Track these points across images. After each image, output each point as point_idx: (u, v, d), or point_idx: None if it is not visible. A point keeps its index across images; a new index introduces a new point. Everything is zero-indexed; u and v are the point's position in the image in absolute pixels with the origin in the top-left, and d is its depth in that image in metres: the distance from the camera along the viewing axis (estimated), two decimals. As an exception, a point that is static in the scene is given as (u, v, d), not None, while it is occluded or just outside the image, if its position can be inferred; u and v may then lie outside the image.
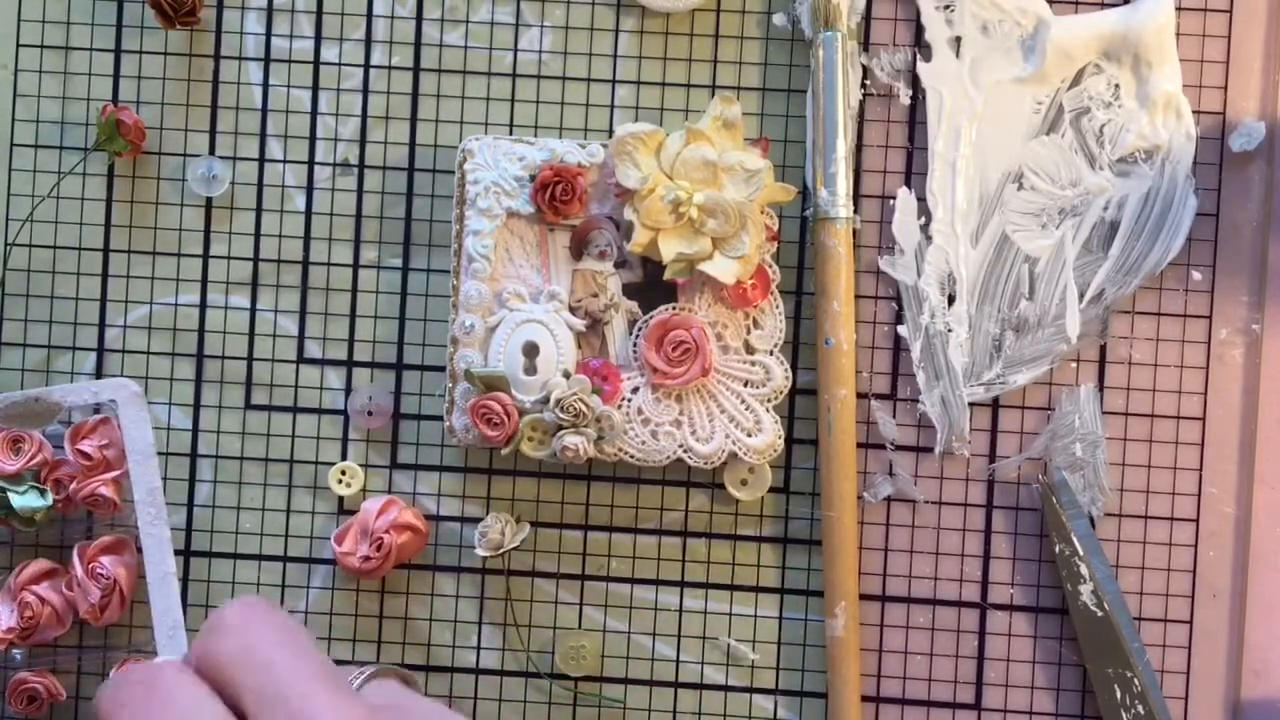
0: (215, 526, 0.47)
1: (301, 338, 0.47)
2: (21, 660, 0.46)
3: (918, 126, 0.47)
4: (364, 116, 0.47)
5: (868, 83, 0.47)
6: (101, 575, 0.45)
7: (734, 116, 0.44)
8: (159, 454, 0.45)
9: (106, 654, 0.47)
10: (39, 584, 0.45)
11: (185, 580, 0.47)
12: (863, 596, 0.46)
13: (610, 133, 0.46)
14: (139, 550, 0.45)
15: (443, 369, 0.46)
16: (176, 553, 0.47)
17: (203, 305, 0.47)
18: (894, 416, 0.47)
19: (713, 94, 0.46)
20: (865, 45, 0.47)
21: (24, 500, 0.44)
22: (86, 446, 0.45)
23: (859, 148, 0.47)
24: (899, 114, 0.47)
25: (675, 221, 0.43)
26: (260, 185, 0.47)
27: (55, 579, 0.46)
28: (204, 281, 0.47)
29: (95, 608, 0.45)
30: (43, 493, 0.45)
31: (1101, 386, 0.46)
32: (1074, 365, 0.46)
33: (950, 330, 0.46)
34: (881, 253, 0.47)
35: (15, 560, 0.46)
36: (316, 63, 0.47)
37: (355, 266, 0.47)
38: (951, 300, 0.46)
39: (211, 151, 0.47)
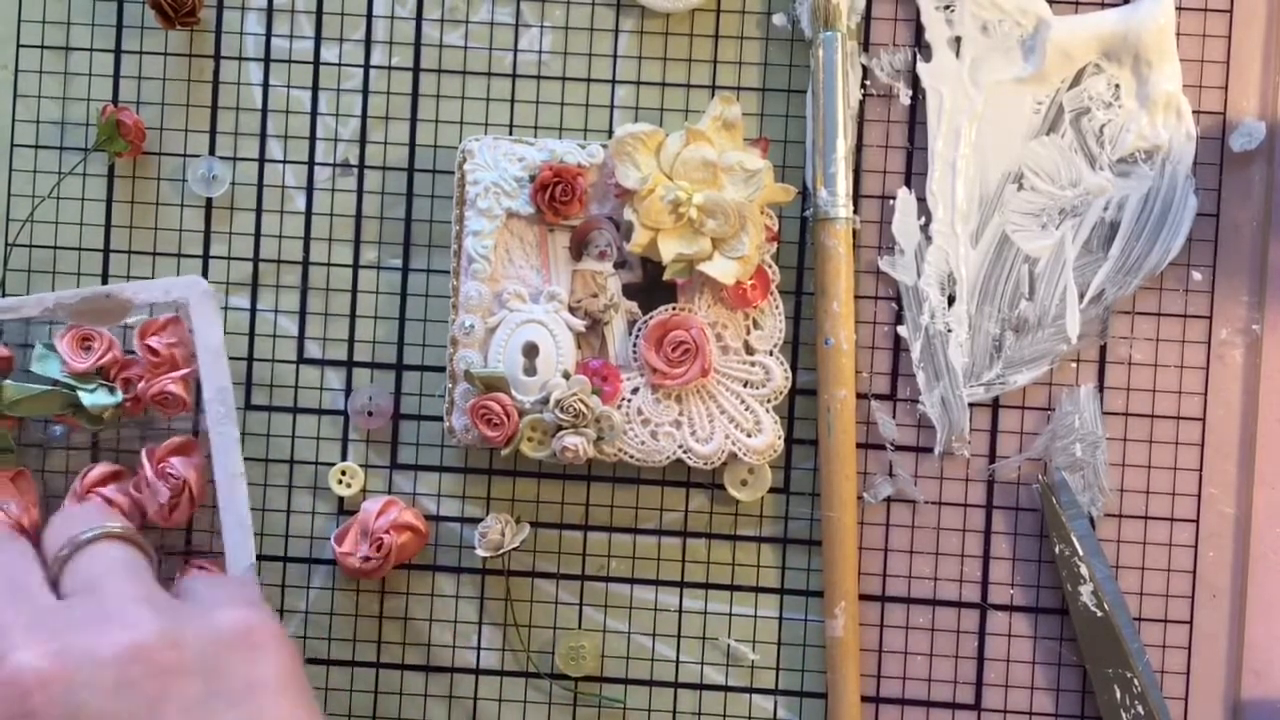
0: (216, 527, 0.47)
1: (301, 338, 0.47)
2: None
3: (918, 126, 0.47)
4: (364, 117, 0.47)
5: (868, 83, 0.47)
6: (171, 475, 0.44)
7: (734, 117, 0.44)
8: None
9: (164, 557, 0.47)
10: (105, 486, 0.45)
11: (185, 580, 0.47)
12: (863, 597, 0.46)
13: (610, 133, 0.46)
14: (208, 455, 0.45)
15: (443, 369, 0.46)
16: (177, 554, 0.47)
17: (203, 305, 0.47)
18: (894, 417, 0.47)
19: (713, 94, 0.46)
20: (865, 45, 0.47)
21: (94, 398, 0.44)
22: (155, 343, 0.44)
23: (859, 148, 0.47)
24: (899, 114, 0.47)
25: (675, 222, 0.43)
26: (260, 185, 0.47)
27: (122, 481, 0.46)
28: (204, 282, 0.47)
29: (164, 508, 0.44)
30: (112, 390, 0.45)
31: (1101, 387, 0.46)
32: (1074, 365, 0.46)
33: (950, 330, 0.46)
34: (881, 253, 0.47)
35: (70, 466, 0.46)
36: (316, 63, 0.47)
37: (355, 267, 0.47)
38: (951, 300, 0.46)
39: (211, 152, 0.47)
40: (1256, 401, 0.46)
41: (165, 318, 0.45)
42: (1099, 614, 0.45)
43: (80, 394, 0.44)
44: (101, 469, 0.45)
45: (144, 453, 0.45)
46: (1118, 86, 0.46)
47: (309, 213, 0.47)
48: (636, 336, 0.45)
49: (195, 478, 0.45)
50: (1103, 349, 0.46)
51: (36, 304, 0.44)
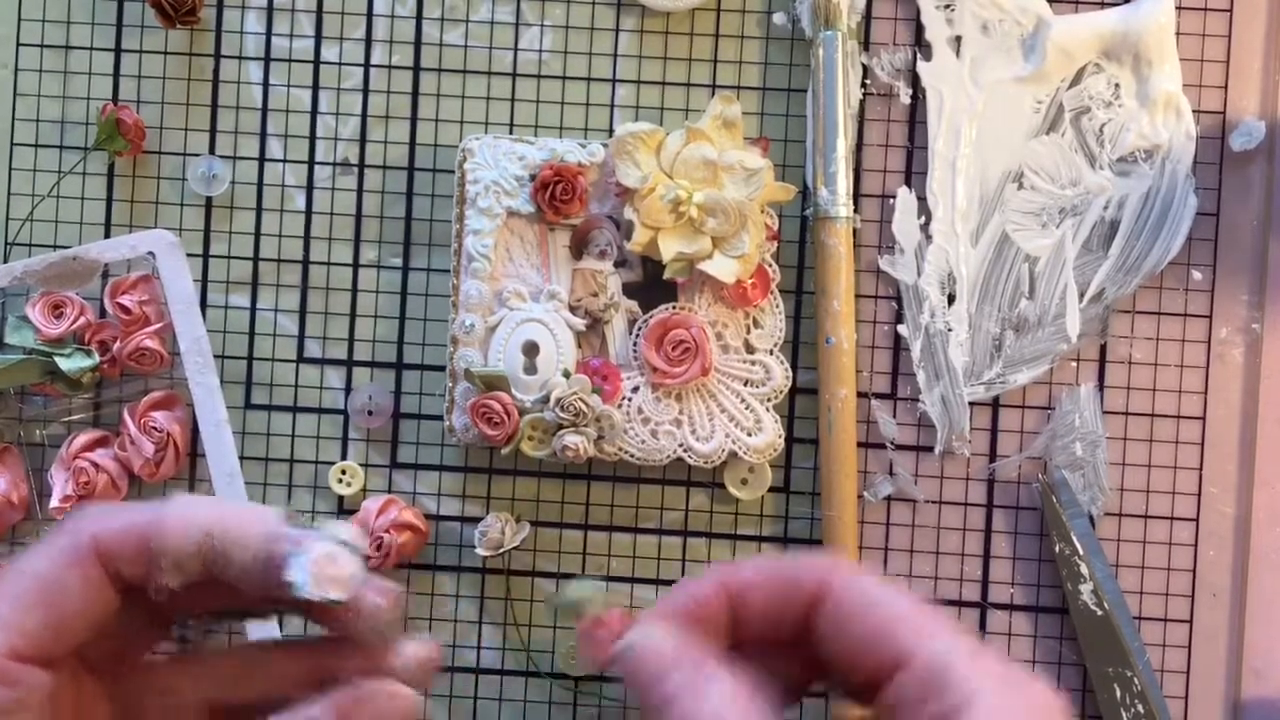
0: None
1: (301, 337, 0.47)
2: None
3: (918, 126, 0.47)
4: (364, 116, 0.47)
5: (868, 82, 0.47)
6: (154, 429, 0.45)
7: (734, 115, 0.44)
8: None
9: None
10: (92, 451, 0.46)
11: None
12: (863, 596, 0.46)
13: (610, 132, 0.46)
14: (189, 405, 0.46)
15: (443, 369, 0.46)
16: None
17: (203, 305, 0.47)
18: (894, 416, 0.46)
19: (713, 93, 0.46)
20: (865, 44, 0.47)
21: (72, 363, 0.45)
22: (126, 301, 0.45)
23: (859, 147, 0.47)
24: (899, 113, 0.47)
25: (675, 221, 0.43)
26: (260, 185, 0.47)
27: (107, 446, 0.46)
28: (204, 281, 0.47)
29: (150, 463, 0.45)
30: (89, 353, 0.45)
31: (1101, 386, 0.46)
32: (1074, 365, 0.46)
33: (950, 329, 0.46)
34: (881, 252, 0.47)
35: (46, 437, 0.47)
36: (316, 62, 0.47)
37: (355, 266, 0.47)
38: (951, 299, 0.46)
39: (211, 151, 0.47)
40: (1256, 401, 0.46)
41: (135, 276, 0.46)
42: (1099, 613, 0.45)
43: (57, 359, 0.45)
44: (86, 436, 0.46)
45: (125, 410, 0.45)
46: (1118, 86, 0.46)
47: (309, 212, 0.47)
48: (637, 335, 0.45)
49: (179, 430, 0.45)
50: (1103, 348, 0.46)
51: (5, 273, 0.45)
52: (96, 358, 0.45)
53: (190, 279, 0.45)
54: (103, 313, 0.46)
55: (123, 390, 0.47)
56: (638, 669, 0.27)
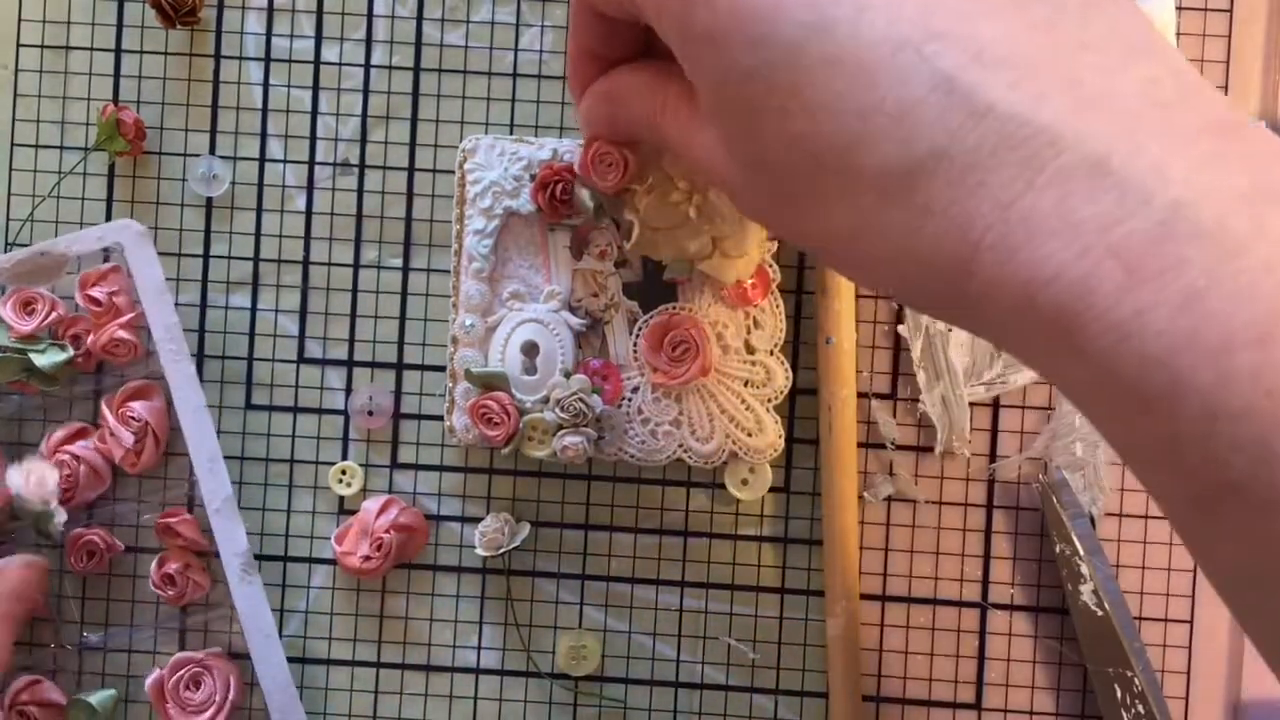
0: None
1: (302, 338, 0.47)
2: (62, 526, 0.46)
3: (918, 126, 0.47)
4: (364, 116, 0.47)
5: (868, 82, 0.47)
6: (133, 419, 0.45)
7: (734, 116, 0.44)
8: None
9: (141, 504, 0.47)
10: (72, 444, 0.46)
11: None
12: (863, 596, 0.46)
13: (610, 132, 0.46)
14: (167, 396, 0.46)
15: (443, 369, 0.46)
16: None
17: (203, 305, 0.47)
18: (894, 416, 0.47)
19: (713, 94, 0.46)
20: (865, 45, 0.46)
21: (47, 358, 0.45)
22: (96, 293, 0.45)
23: (859, 147, 0.46)
24: (899, 114, 0.47)
25: (675, 221, 0.43)
26: (260, 185, 0.47)
27: (87, 438, 0.46)
28: (204, 281, 0.47)
29: (131, 452, 0.45)
30: (63, 347, 0.45)
31: (1102, 386, 0.46)
32: (1074, 365, 0.46)
33: (951, 329, 0.46)
34: (882, 252, 0.46)
35: (23, 435, 0.47)
36: (316, 63, 0.47)
37: (355, 266, 0.47)
38: (952, 300, 0.46)
39: (212, 151, 0.47)
40: (1256, 401, 0.46)
41: (104, 267, 0.46)
42: (1099, 613, 0.45)
43: (32, 356, 0.45)
44: (65, 429, 0.46)
45: (104, 402, 0.46)
46: (1118, 86, 0.46)
47: (309, 212, 0.47)
48: (637, 335, 0.45)
49: (157, 419, 0.46)
50: (1103, 348, 0.46)
51: None
52: (71, 352, 0.45)
53: (159, 267, 0.45)
54: (77, 307, 0.46)
55: (100, 382, 0.47)
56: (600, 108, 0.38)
